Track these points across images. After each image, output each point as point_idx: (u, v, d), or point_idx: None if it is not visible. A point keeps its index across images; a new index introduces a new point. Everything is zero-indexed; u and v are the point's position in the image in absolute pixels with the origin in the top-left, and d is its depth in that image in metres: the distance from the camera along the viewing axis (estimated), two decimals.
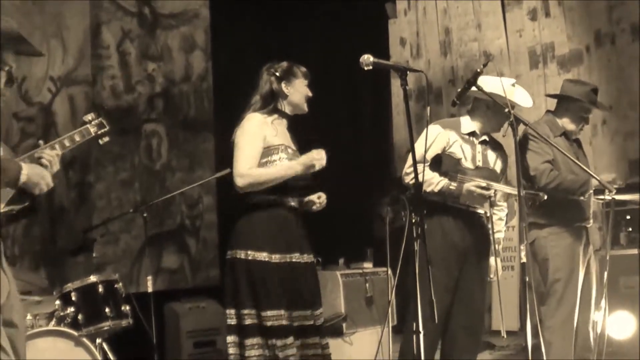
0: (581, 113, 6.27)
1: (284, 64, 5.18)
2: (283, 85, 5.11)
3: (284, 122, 5.18)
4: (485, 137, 5.87)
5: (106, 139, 4.41)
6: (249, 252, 4.88)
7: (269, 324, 4.80)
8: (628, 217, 7.55)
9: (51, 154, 4.05)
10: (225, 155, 9.32)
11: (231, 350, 4.89)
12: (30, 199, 4.07)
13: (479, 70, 5.13)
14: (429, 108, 5.05)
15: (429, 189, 5.57)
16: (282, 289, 4.88)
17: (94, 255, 6.92)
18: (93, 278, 6.32)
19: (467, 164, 5.68)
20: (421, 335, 4.11)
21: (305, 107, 5.21)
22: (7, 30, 4.01)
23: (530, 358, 4.66)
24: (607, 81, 8.78)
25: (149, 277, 6.87)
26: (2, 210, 3.96)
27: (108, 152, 8.71)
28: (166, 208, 9.15)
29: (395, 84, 10.12)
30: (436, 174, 5.61)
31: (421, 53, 10.45)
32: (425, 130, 5.49)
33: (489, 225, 5.69)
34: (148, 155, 9.22)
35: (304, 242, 5.09)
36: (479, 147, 5.81)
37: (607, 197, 5.96)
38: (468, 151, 5.74)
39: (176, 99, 9.53)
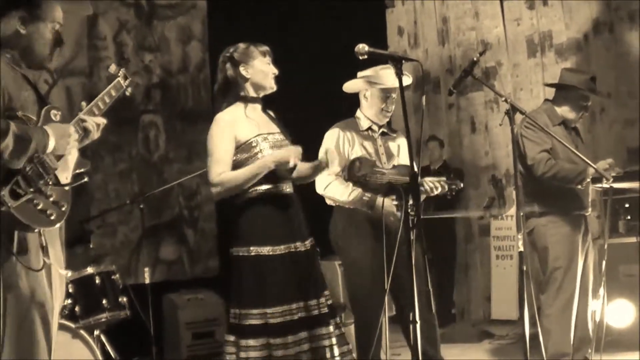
0: (580, 101, 6.25)
1: (240, 45, 4.93)
2: (241, 68, 4.85)
3: (257, 106, 4.93)
4: (383, 129, 5.91)
5: (130, 89, 4.38)
6: (252, 248, 4.69)
7: (274, 321, 4.62)
8: (627, 205, 7.54)
9: (98, 120, 4.07)
10: None
11: (229, 350, 4.73)
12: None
13: (475, 59, 5.13)
14: (424, 97, 5.05)
15: (342, 199, 5.68)
16: (287, 281, 4.71)
17: (91, 246, 6.89)
18: (90, 269, 6.33)
19: (379, 163, 5.72)
20: (417, 325, 4.10)
21: (272, 84, 4.92)
22: None
23: (528, 346, 4.66)
24: (606, 69, 8.76)
25: (147, 269, 6.86)
26: (73, 175, 4.00)
27: (105, 143, 8.68)
28: (164, 199, 9.13)
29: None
30: (349, 184, 5.64)
31: (419, 42, 10.43)
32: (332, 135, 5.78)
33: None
34: (146, 147, 9.20)
35: (303, 228, 4.90)
36: (379, 141, 5.85)
37: (605, 185, 5.96)
38: (370, 148, 5.78)
39: (173, 90, 9.52)
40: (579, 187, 6.03)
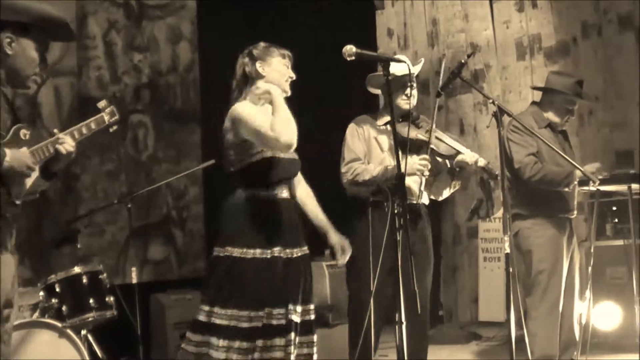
0: (566, 105, 6.28)
1: (261, 44, 4.90)
2: (258, 65, 4.80)
3: (268, 107, 4.75)
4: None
5: (115, 127, 4.39)
6: (243, 250, 4.57)
7: (242, 325, 4.49)
8: (614, 208, 7.56)
9: (71, 142, 4.06)
10: (211, 146, 9.37)
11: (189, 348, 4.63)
12: (49, 181, 4.18)
13: (463, 61, 5.16)
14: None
15: (367, 177, 5.57)
16: (262, 286, 4.55)
17: (78, 246, 6.88)
18: (77, 269, 6.31)
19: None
20: (403, 326, 4.11)
21: (286, 88, 4.83)
22: (44, 11, 4.06)
23: (514, 349, 4.68)
24: (594, 72, 8.78)
25: (134, 268, 6.86)
26: (26, 192, 4.03)
27: (94, 143, 8.68)
28: (152, 199, 9.12)
29: None
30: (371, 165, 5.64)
31: (408, 44, 10.44)
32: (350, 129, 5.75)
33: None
34: (134, 147, 9.19)
35: (295, 235, 4.77)
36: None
37: (592, 188, 5.98)
38: (385, 143, 5.72)
39: (162, 90, 9.50)
40: (566, 189, 6.05)
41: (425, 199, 5.78)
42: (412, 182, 5.58)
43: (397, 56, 5.04)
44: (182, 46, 9.71)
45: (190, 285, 8.82)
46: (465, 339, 8.69)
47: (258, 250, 4.59)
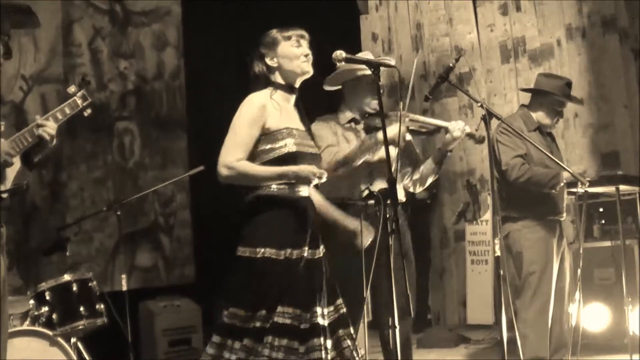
0: (555, 107, 6.30)
1: (266, 34, 4.68)
2: (267, 60, 4.61)
3: (290, 97, 4.65)
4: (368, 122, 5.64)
5: (89, 110, 4.38)
6: (258, 249, 4.36)
7: (284, 321, 4.29)
8: (601, 209, 7.58)
9: (51, 126, 4.09)
10: (198, 152, 9.37)
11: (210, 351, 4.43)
12: (31, 171, 4.21)
13: (451, 65, 5.16)
14: (401, 103, 5.03)
15: (341, 155, 5.31)
16: (287, 287, 4.35)
17: (67, 254, 6.86)
18: (67, 277, 6.31)
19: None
20: (397, 330, 4.12)
21: (303, 68, 4.60)
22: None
23: (506, 351, 4.68)
24: (579, 75, 8.83)
25: (124, 276, 6.85)
26: (9, 187, 4.04)
27: (80, 150, 8.69)
28: (139, 206, 9.12)
29: None
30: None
31: (393, 48, 10.48)
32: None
33: None
34: (121, 154, 9.19)
35: (314, 235, 4.55)
36: (363, 133, 5.54)
37: (580, 190, 6.01)
38: (352, 140, 5.52)
39: (148, 97, 9.51)
40: (553, 191, 6.07)
41: (401, 196, 5.66)
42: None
43: (386, 59, 4.98)
44: (168, 52, 9.73)
45: (178, 292, 8.82)
46: (454, 342, 8.69)
47: (279, 251, 4.39)
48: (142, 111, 9.43)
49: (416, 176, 5.66)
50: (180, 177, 8.12)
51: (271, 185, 4.45)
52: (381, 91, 4.51)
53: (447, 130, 5.38)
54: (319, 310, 4.42)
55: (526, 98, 6.56)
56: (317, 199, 4.86)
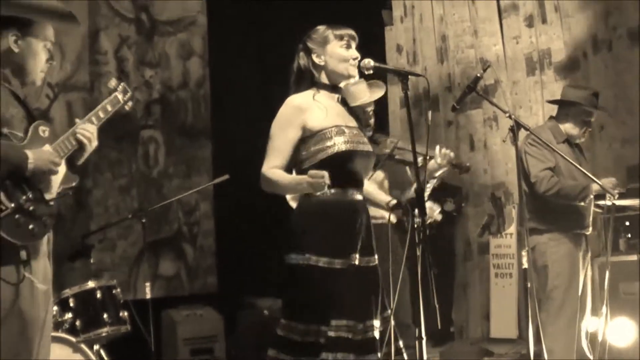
0: (582, 117, 6.28)
1: (317, 29, 4.59)
2: (314, 57, 4.47)
3: (334, 96, 4.49)
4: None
5: (130, 104, 4.39)
6: (309, 256, 4.21)
7: (323, 339, 4.16)
8: (627, 223, 7.53)
9: (90, 129, 4.09)
10: (222, 161, 9.38)
11: None
12: (78, 174, 4.18)
13: (478, 75, 5.15)
14: (430, 112, 4.95)
15: None
16: (343, 297, 4.20)
17: (91, 261, 6.88)
18: (91, 283, 6.32)
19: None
20: (423, 342, 4.09)
21: (349, 71, 4.46)
22: (47, 5, 4.12)
23: None
24: (604, 87, 8.75)
25: (148, 284, 6.85)
26: (57, 192, 4.03)
27: (105, 158, 8.72)
28: (163, 215, 9.14)
29: (392, 91, 10.11)
30: None
31: (418, 60, 10.44)
32: None
33: None
34: (145, 162, 9.22)
35: (368, 241, 4.41)
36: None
37: (608, 202, 5.98)
38: None
39: (173, 106, 9.54)
40: (582, 204, 6.04)
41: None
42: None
43: (413, 70, 4.98)
44: (193, 62, 9.76)
45: (201, 301, 8.83)
46: (477, 355, 8.64)
47: (330, 259, 4.25)
48: (167, 120, 9.46)
49: (403, 199, 5.61)
50: (204, 186, 8.15)
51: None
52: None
53: (432, 157, 5.28)
54: (375, 323, 4.28)
55: (552, 110, 6.54)
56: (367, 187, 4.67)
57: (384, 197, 4.86)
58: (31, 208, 3.83)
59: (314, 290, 4.21)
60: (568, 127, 6.29)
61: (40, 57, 4.09)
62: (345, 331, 4.18)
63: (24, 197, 3.82)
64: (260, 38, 10.03)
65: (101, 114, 4.21)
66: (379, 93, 4.69)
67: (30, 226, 3.83)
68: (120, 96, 4.31)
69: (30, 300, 3.89)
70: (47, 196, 3.94)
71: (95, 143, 4.15)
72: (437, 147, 5.27)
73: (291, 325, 4.25)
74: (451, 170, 5.33)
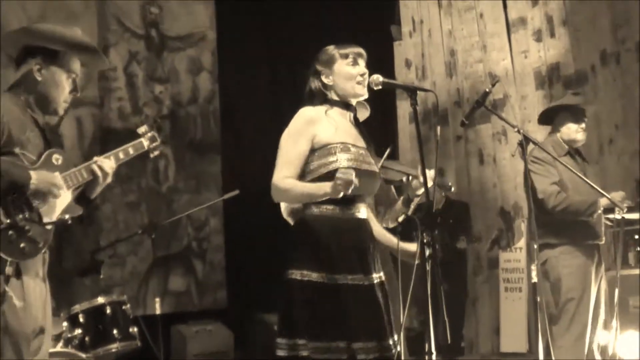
0: (569, 115, 6.33)
1: (325, 49, 4.55)
2: (323, 77, 4.45)
3: (345, 113, 4.48)
4: None
5: (157, 152, 4.41)
6: (305, 272, 4.18)
7: (315, 357, 4.10)
8: (637, 236, 7.52)
9: (109, 164, 4.16)
10: (232, 177, 9.40)
11: None
12: (85, 208, 4.23)
13: (487, 90, 5.15)
14: (438, 127, 4.94)
15: None
16: (334, 316, 4.15)
17: (101, 277, 6.88)
18: (101, 299, 6.32)
19: None
20: (433, 356, 4.08)
21: (355, 90, 4.44)
22: (74, 37, 4.19)
23: None
24: (613, 100, 8.77)
25: (157, 299, 6.86)
26: (56, 218, 4.05)
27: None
28: (173, 230, 9.15)
29: (401, 106, 10.14)
30: None
31: (426, 75, 10.44)
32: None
33: None
34: (155, 177, 9.23)
35: (370, 260, 4.33)
36: None
37: (618, 215, 5.96)
38: None
39: (183, 121, 9.57)
40: (590, 219, 6.03)
41: None
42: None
43: (422, 86, 4.99)
44: (203, 77, 9.78)
45: (210, 317, 8.82)
46: None
47: (325, 274, 4.21)
48: (177, 135, 9.49)
49: (387, 215, 5.61)
50: (214, 202, 8.15)
51: (321, 206, 4.25)
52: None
53: (416, 177, 5.27)
54: (358, 345, 4.18)
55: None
56: (377, 228, 4.73)
57: (390, 237, 4.91)
58: (26, 227, 3.87)
59: (308, 306, 4.17)
60: (567, 130, 6.32)
61: (63, 87, 4.13)
62: (331, 351, 4.15)
63: (21, 216, 3.85)
64: (269, 53, 10.05)
65: (121, 155, 4.27)
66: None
67: (22, 244, 3.87)
68: (146, 143, 4.36)
69: (11, 314, 3.90)
70: (46, 219, 3.97)
71: (109, 180, 4.20)
72: (419, 167, 5.25)
73: (280, 342, 4.20)
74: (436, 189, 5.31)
